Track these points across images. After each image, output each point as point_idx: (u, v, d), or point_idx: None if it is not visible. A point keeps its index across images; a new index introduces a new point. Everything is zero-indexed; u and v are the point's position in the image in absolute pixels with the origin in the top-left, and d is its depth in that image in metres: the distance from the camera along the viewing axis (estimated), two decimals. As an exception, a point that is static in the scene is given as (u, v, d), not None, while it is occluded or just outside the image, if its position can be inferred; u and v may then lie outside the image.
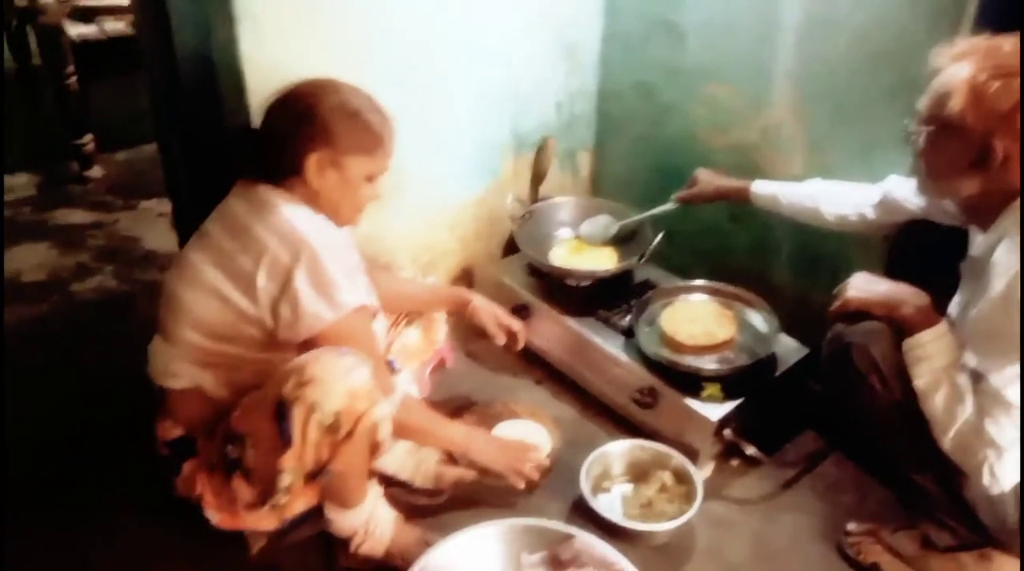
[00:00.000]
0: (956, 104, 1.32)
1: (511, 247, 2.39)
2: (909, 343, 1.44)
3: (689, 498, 1.77)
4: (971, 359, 1.37)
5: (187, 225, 2.01)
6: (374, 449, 1.49)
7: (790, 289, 2.22)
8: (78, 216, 3.06)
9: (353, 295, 1.45)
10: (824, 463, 1.98)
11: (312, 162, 1.45)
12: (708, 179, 2.08)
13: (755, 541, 1.79)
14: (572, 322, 2.12)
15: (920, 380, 1.42)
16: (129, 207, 3.13)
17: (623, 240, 2.32)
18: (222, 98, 1.78)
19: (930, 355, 1.41)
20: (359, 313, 1.47)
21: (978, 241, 1.48)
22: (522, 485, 1.76)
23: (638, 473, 1.88)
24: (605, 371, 2.06)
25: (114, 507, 1.81)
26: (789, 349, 2.02)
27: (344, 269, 1.45)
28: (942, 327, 1.43)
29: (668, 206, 2.16)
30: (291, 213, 1.45)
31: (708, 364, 1.93)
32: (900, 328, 1.46)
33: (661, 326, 2.02)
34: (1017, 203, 1.36)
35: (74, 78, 3.08)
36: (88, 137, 3.25)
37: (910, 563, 1.66)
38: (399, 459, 1.80)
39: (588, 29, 2.38)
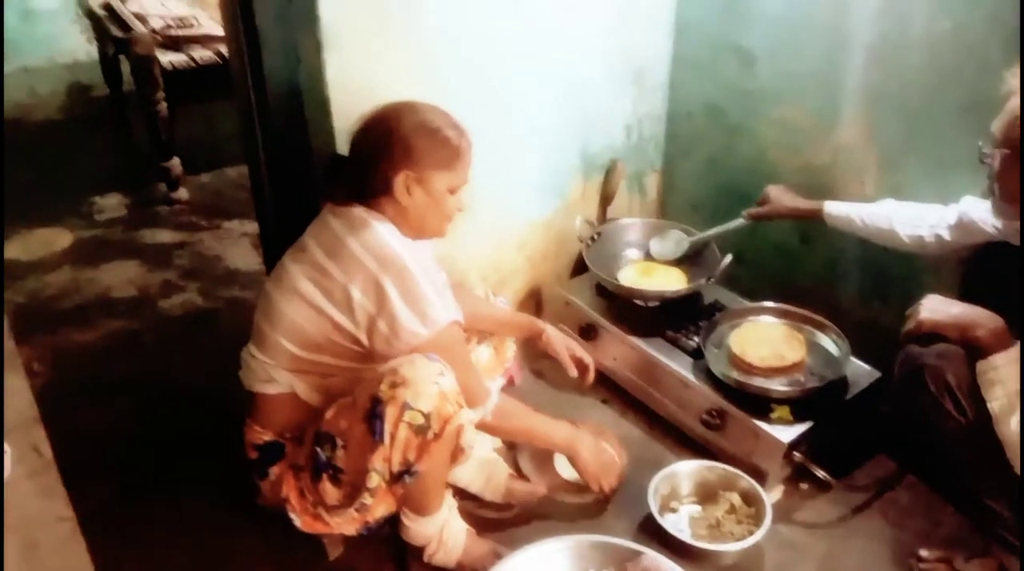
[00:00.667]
0: None
1: (579, 268, 2.43)
2: (983, 365, 1.42)
3: (757, 520, 1.78)
4: (1050, 384, 1.35)
5: (272, 244, 2.12)
6: (455, 455, 1.54)
7: (860, 312, 2.20)
8: (165, 236, 3.21)
9: (445, 312, 1.51)
10: (896, 489, 1.95)
11: (400, 181, 1.52)
12: (779, 196, 2.09)
13: (823, 565, 1.77)
14: (639, 342, 2.15)
15: (995, 403, 1.40)
16: (213, 227, 3.28)
17: (692, 261, 2.34)
18: (308, 121, 1.87)
19: (1004, 378, 1.40)
20: (451, 328, 1.53)
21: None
22: (602, 492, 1.81)
23: (706, 494, 1.89)
24: (673, 392, 2.07)
25: (198, 511, 1.89)
26: (860, 372, 2.00)
27: (434, 286, 1.52)
28: (1016, 350, 1.41)
29: (738, 222, 2.18)
30: (384, 231, 1.52)
31: (777, 386, 1.93)
32: (974, 350, 1.45)
33: (730, 347, 2.03)
34: None
35: (163, 104, 3.25)
36: (175, 160, 3.41)
37: (985, 592, 1.64)
38: (471, 473, 1.85)
39: (657, 52, 2.42)
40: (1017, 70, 1.38)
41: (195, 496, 1.92)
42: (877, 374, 2.00)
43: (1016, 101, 1.35)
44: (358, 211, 1.55)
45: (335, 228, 1.55)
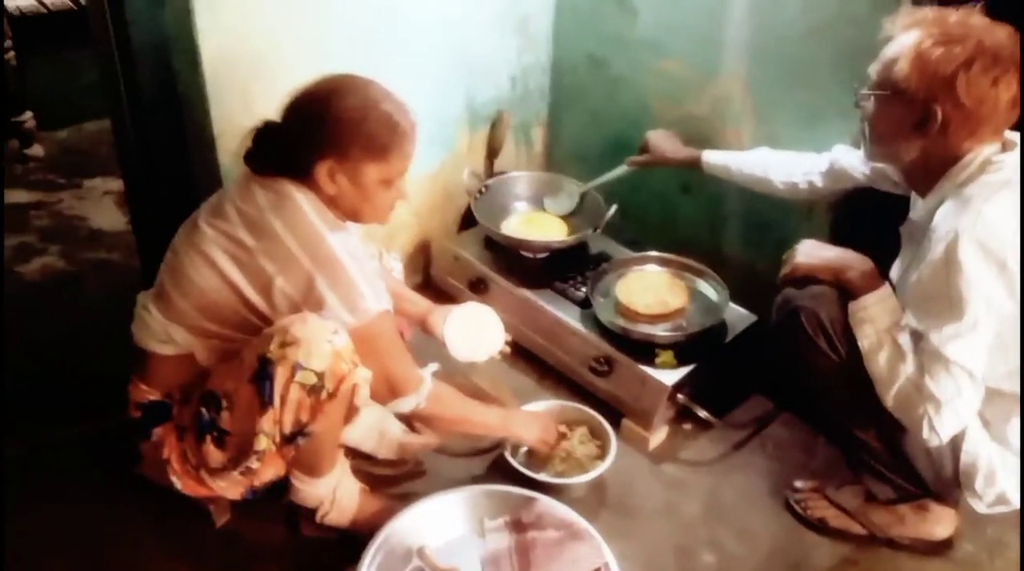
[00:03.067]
0: (902, 69, 1.38)
1: (467, 221, 2.42)
2: (854, 306, 1.50)
3: (605, 451, 1.84)
4: (912, 320, 1.44)
5: (139, 203, 1.99)
6: (349, 415, 1.51)
7: (738, 258, 2.28)
8: (20, 196, 2.97)
9: (376, 302, 1.45)
10: (772, 425, 2.06)
11: (322, 170, 1.42)
12: (659, 144, 2.11)
13: (708, 499, 1.86)
14: (528, 293, 2.16)
15: (865, 341, 1.48)
16: (73, 186, 3.06)
17: (578, 212, 2.36)
18: (177, 72, 1.75)
19: (873, 317, 1.48)
20: (381, 318, 1.47)
21: (918, 206, 1.55)
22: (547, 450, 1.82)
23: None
24: (562, 341, 2.10)
25: (73, 480, 1.79)
26: (738, 316, 2.09)
27: (365, 274, 1.45)
28: (885, 290, 1.49)
29: (622, 169, 2.21)
30: (313, 216, 1.42)
31: (661, 332, 1.98)
32: (846, 292, 1.53)
33: (616, 296, 2.07)
34: (955, 170, 1.43)
35: (12, 53, 2.98)
36: (28, 114, 3.15)
37: (853, 516, 1.76)
38: (362, 431, 1.80)
39: (540, 1, 2.40)
40: (895, 18, 1.44)
41: (69, 465, 1.83)
42: (754, 317, 2.09)
43: (894, 47, 1.41)
44: (287, 188, 1.43)
45: (260, 202, 1.43)
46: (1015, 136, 1.45)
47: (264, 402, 1.36)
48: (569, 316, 2.09)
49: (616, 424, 2.00)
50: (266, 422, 1.38)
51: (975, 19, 1.39)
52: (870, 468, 1.67)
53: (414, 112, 1.47)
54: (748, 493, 1.87)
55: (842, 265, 1.54)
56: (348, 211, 1.49)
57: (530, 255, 2.26)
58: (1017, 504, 1.55)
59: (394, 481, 1.85)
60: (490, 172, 2.49)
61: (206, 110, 1.79)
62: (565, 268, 2.22)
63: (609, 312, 2.05)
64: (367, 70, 2.01)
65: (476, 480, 1.83)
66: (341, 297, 1.40)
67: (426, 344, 1.96)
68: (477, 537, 1.69)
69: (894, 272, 1.64)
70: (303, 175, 1.44)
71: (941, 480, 1.59)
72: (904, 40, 1.40)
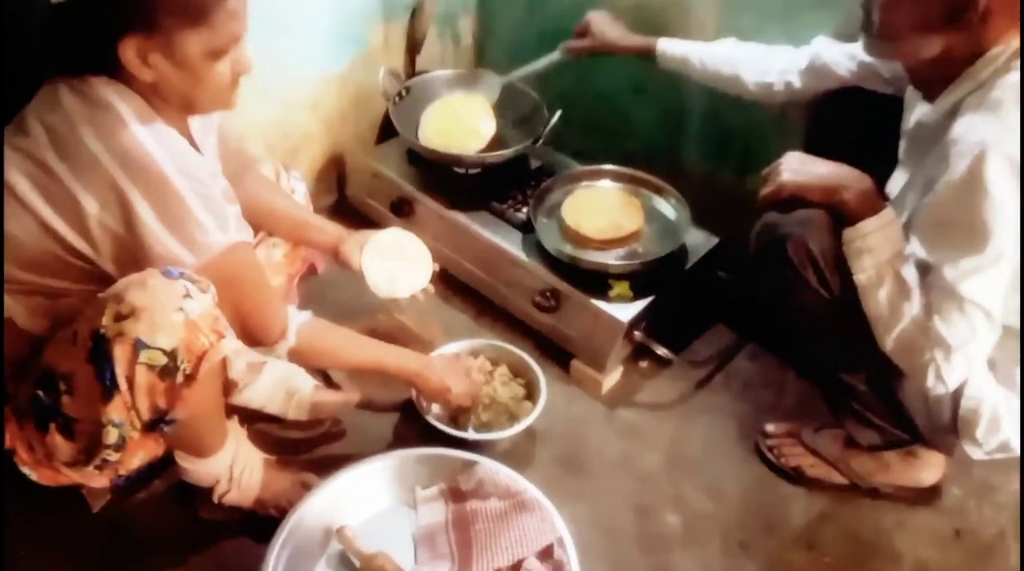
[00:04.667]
0: None
1: (387, 131, 2.07)
2: (850, 233, 1.26)
3: (532, 391, 1.64)
4: (920, 249, 1.21)
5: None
6: (227, 389, 1.22)
7: (696, 171, 2.01)
8: None
9: (221, 233, 1.14)
10: (736, 358, 1.85)
11: (128, 52, 1.06)
12: (602, 27, 1.79)
13: (669, 448, 1.65)
14: (461, 217, 1.86)
15: (862, 274, 1.25)
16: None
17: (514, 119, 2.03)
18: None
19: (873, 246, 1.24)
20: (234, 252, 1.16)
21: (924, 111, 1.30)
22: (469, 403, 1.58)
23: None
24: (501, 272, 1.82)
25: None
26: (698, 239, 1.83)
27: (206, 200, 1.12)
28: (888, 214, 1.25)
29: (554, 56, 1.88)
30: (134, 121, 1.08)
31: (615, 260, 1.73)
32: (840, 215, 1.28)
33: (563, 218, 1.79)
34: (977, 66, 1.17)
35: None
36: None
37: (833, 464, 1.58)
38: (266, 390, 1.51)
39: None
40: None
41: None
42: (715, 240, 1.84)
43: None
44: (101, 89, 1.09)
45: (68, 111, 1.09)
46: None
47: (106, 388, 1.06)
48: (509, 242, 1.80)
49: (565, 366, 1.76)
50: (114, 411, 1.08)
51: None
52: (854, 412, 1.47)
53: None
54: (714, 440, 1.67)
55: (837, 183, 1.28)
56: (178, 100, 1.14)
57: (462, 171, 1.95)
58: (1019, 451, 1.37)
59: (307, 446, 1.58)
60: (411, 71, 2.13)
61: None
62: (503, 185, 1.92)
63: (555, 237, 1.77)
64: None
65: (404, 441, 1.58)
66: (173, 228, 1.09)
67: (341, 278, 1.66)
68: (408, 510, 1.45)
69: (891, 188, 1.39)
70: (111, 67, 1.09)
71: (936, 427, 1.40)
72: None
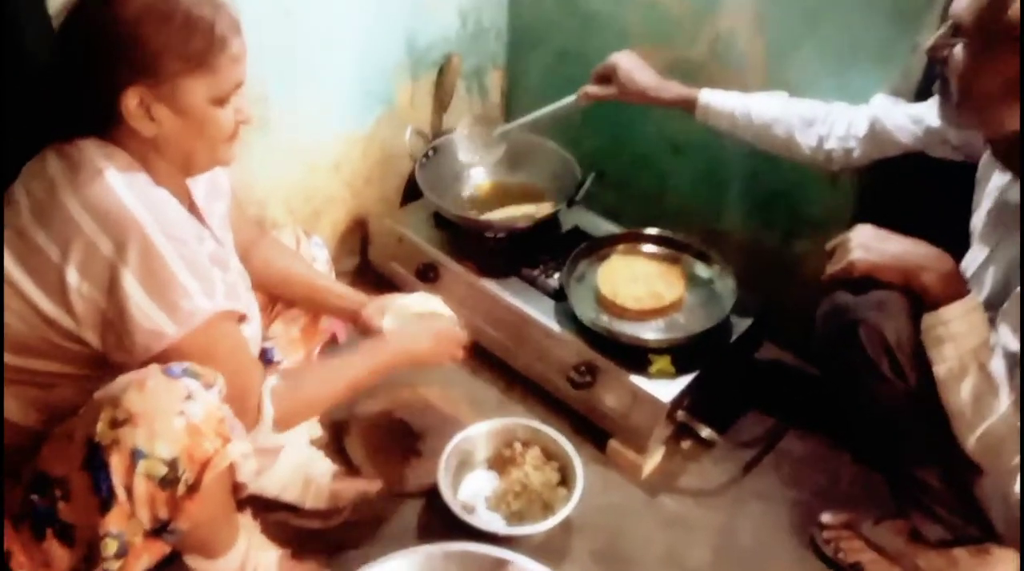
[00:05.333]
0: (1019, 7, 0.99)
1: (412, 192, 1.98)
2: (931, 320, 1.13)
3: (568, 479, 1.51)
4: (1011, 341, 1.08)
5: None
6: (237, 490, 1.12)
7: (739, 233, 1.91)
8: None
9: (206, 300, 1.05)
10: (786, 438, 1.71)
11: (131, 103, 1.02)
12: (631, 73, 1.58)
13: (717, 541, 1.52)
14: (490, 284, 1.76)
15: (943, 365, 1.13)
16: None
17: (549, 180, 1.94)
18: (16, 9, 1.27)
19: (956, 335, 1.12)
20: (217, 323, 1.08)
21: (1007, 184, 1.18)
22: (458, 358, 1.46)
23: (504, 458, 1.58)
24: (533, 343, 1.71)
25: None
26: (742, 308, 1.68)
27: (191, 263, 1.05)
28: (972, 300, 1.13)
29: (568, 101, 1.69)
30: (117, 181, 1.02)
31: (656, 333, 1.62)
32: (918, 299, 1.16)
33: (598, 286, 1.68)
34: None
35: None
36: None
37: (896, 560, 1.43)
38: (283, 478, 1.43)
39: (495, -82, 1.94)
40: None
41: None
42: (761, 310, 1.72)
43: None
44: (87, 148, 1.05)
45: (52, 175, 1.04)
46: None
47: (104, 499, 0.97)
48: (540, 312, 1.69)
49: (601, 446, 1.64)
50: (112, 522, 0.99)
51: None
52: (922, 506, 1.34)
53: (229, 2, 1.07)
54: (765, 531, 1.53)
55: (915, 264, 1.16)
56: (178, 155, 1.10)
57: (491, 235, 1.85)
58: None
59: (326, 537, 1.46)
60: (438, 130, 2.05)
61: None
62: (534, 250, 1.82)
63: (590, 307, 1.66)
64: (278, 6, 1.58)
65: (429, 533, 1.46)
66: (155, 295, 1.01)
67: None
68: (434, 612, 1.33)
69: (966, 264, 1.27)
70: (109, 124, 1.05)
71: (1014, 525, 1.26)
72: None
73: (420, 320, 1.44)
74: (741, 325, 1.69)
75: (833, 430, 1.69)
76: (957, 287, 1.13)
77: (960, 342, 1.11)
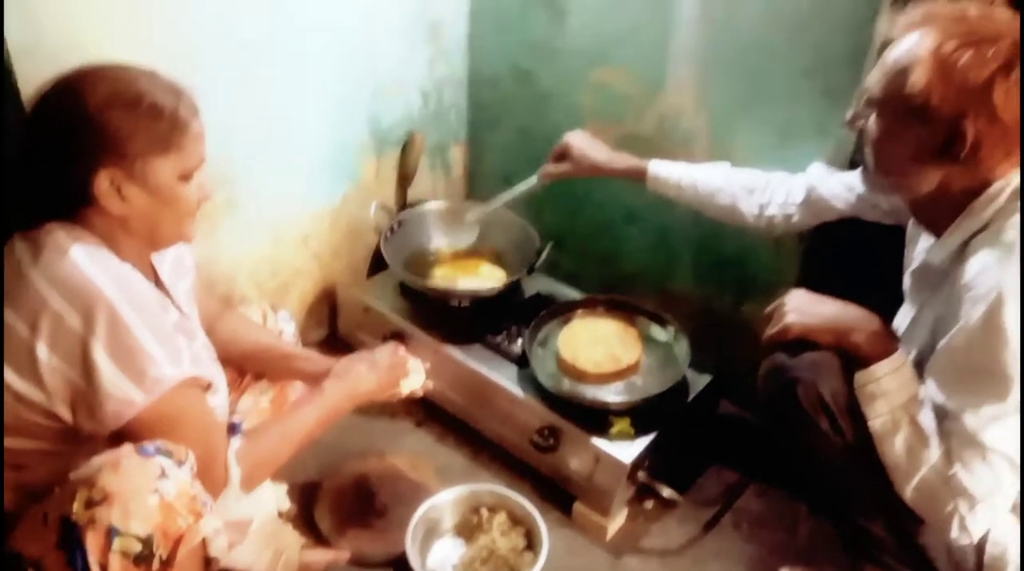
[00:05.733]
0: (919, 80, 1.09)
1: (378, 263, 2.04)
2: (863, 377, 1.21)
3: (533, 541, 1.54)
4: (937, 394, 1.16)
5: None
6: (209, 564, 1.14)
7: (693, 296, 1.99)
8: None
9: (172, 367, 1.10)
10: (744, 495, 1.76)
11: (103, 184, 1.09)
12: (584, 150, 1.69)
13: (681, 599, 1.55)
14: (455, 351, 1.81)
15: (876, 420, 1.19)
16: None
17: (510, 250, 2.02)
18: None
19: (887, 391, 1.19)
20: (184, 390, 1.12)
21: (930, 247, 1.27)
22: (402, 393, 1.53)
23: (471, 525, 1.60)
24: (497, 408, 1.76)
25: None
26: (698, 369, 1.77)
27: (157, 332, 1.10)
28: (899, 357, 1.20)
29: (530, 183, 1.78)
30: (80, 258, 1.07)
31: (615, 395, 1.67)
32: (850, 358, 1.23)
33: (558, 351, 1.74)
34: (978, 203, 1.15)
35: None
36: None
37: (851, 612, 1.47)
38: (252, 552, 1.42)
39: (453, 5, 2.05)
40: (895, 15, 1.16)
41: None
42: (716, 370, 1.79)
43: (901, 52, 1.13)
44: (52, 231, 1.10)
45: (19, 257, 1.09)
46: None
47: None
48: (504, 377, 1.74)
49: (566, 509, 1.68)
50: None
51: (1001, 12, 1.11)
52: (873, 558, 1.38)
53: (186, 87, 1.16)
54: (727, 588, 1.57)
55: (845, 325, 1.25)
56: (144, 233, 1.17)
57: (455, 303, 1.91)
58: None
59: (296, 609, 1.47)
60: (402, 203, 2.13)
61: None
62: (497, 317, 1.88)
63: (551, 371, 1.72)
64: (244, 89, 1.66)
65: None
66: (123, 364, 1.05)
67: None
68: None
69: (899, 325, 1.36)
70: (78, 206, 1.12)
71: (959, 572, 1.31)
72: (915, 43, 1.12)
73: (364, 361, 1.47)
74: (698, 385, 1.75)
75: (790, 485, 1.75)
76: (886, 345, 1.21)
77: (891, 397, 1.18)
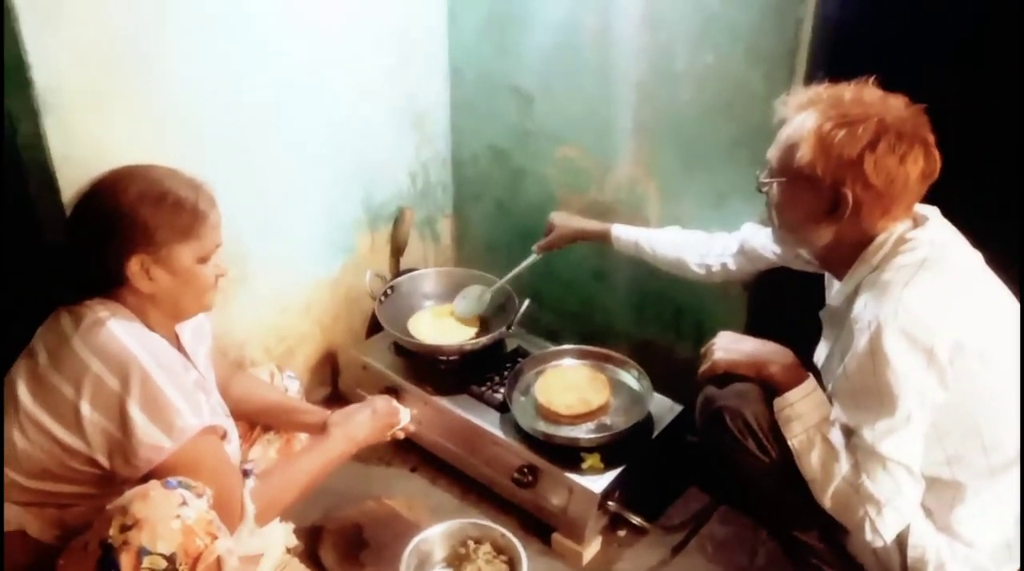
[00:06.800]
0: (805, 154, 1.32)
1: (375, 326, 2.27)
2: (779, 403, 1.41)
3: (514, 569, 1.70)
4: (841, 415, 1.35)
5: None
6: (224, 587, 1.32)
7: (657, 344, 2.20)
8: None
9: (195, 418, 1.30)
10: (710, 522, 1.94)
11: (134, 267, 1.32)
12: (564, 222, 2.03)
13: (651, 617, 1.71)
14: (444, 401, 2.01)
15: (794, 440, 1.39)
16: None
17: (491, 309, 2.24)
18: (34, 201, 1.58)
19: (800, 413, 1.39)
20: (204, 437, 1.32)
21: (835, 290, 1.48)
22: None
23: (459, 555, 1.77)
24: (483, 451, 1.96)
25: None
26: (664, 407, 1.98)
27: (181, 389, 1.30)
28: (809, 384, 1.41)
29: (531, 259, 2.10)
30: (116, 329, 1.29)
31: (586, 433, 1.86)
32: (769, 387, 1.44)
33: (535, 397, 1.95)
34: (868, 251, 1.37)
35: None
36: None
37: (803, 621, 1.63)
38: (263, 579, 1.62)
39: (435, 96, 2.33)
40: (787, 98, 1.38)
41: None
42: (679, 408, 1.98)
43: (791, 130, 1.36)
44: (92, 306, 1.33)
45: (64, 329, 1.31)
46: (927, 209, 1.41)
47: None
48: (487, 422, 1.94)
49: (546, 540, 1.86)
50: None
51: (870, 94, 1.34)
52: (813, 567, 1.55)
53: (205, 181, 1.39)
54: (692, 605, 1.73)
55: (763, 359, 1.46)
56: (170, 307, 1.40)
57: (443, 358, 2.12)
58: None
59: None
60: (396, 271, 2.37)
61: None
62: (481, 369, 2.09)
63: (529, 415, 1.92)
64: (251, 175, 1.91)
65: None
66: (153, 417, 1.26)
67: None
68: None
69: (818, 357, 1.56)
70: (112, 285, 1.34)
71: (888, 576, 1.48)
72: (802, 123, 1.35)
73: (359, 410, 1.67)
74: (663, 422, 1.95)
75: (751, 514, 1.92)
76: (798, 375, 1.42)
77: (805, 419, 1.38)
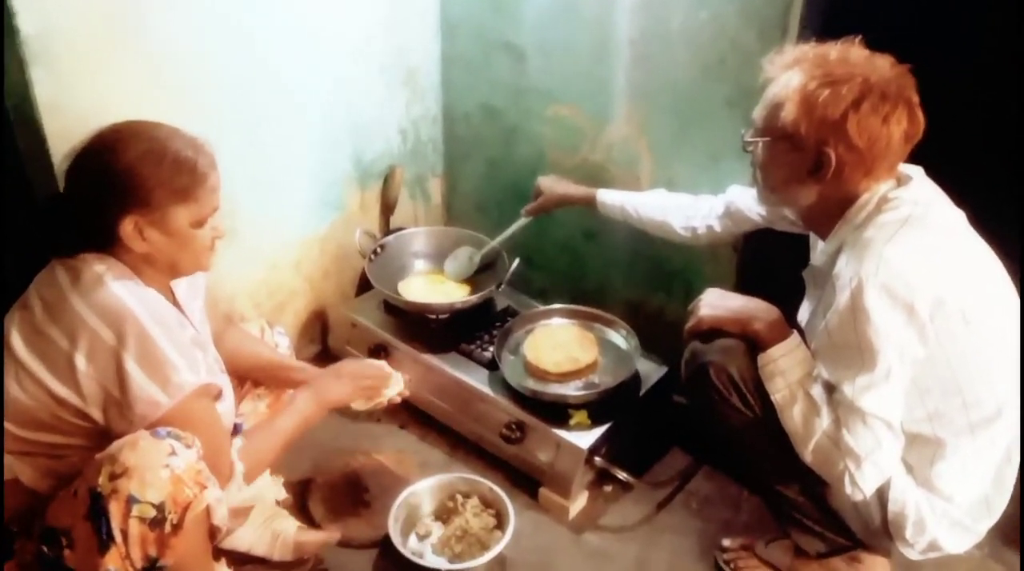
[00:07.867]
0: (789, 114, 1.32)
1: (365, 284, 2.27)
2: (763, 358, 1.43)
3: (501, 521, 1.74)
4: (823, 371, 1.37)
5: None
6: (212, 534, 1.34)
7: (646, 305, 2.21)
8: None
9: (192, 374, 1.30)
10: (695, 479, 1.97)
11: (127, 228, 1.28)
12: (551, 186, 2.03)
13: (635, 569, 1.74)
14: (433, 359, 2.03)
15: (777, 394, 1.41)
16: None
17: (481, 269, 2.25)
18: (21, 152, 1.57)
19: (783, 369, 1.41)
20: (200, 394, 1.32)
21: (819, 249, 1.50)
22: (384, 402, 1.67)
23: (448, 509, 1.81)
24: (471, 408, 1.97)
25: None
26: (651, 367, 2.00)
27: (178, 345, 1.30)
28: (793, 340, 1.42)
29: (521, 221, 2.10)
30: (114, 285, 1.28)
31: (573, 391, 1.88)
32: (754, 343, 1.45)
33: (524, 355, 1.96)
34: (852, 211, 1.38)
35: None
36: None
37: (785, 574, 1.67)
38: (253, 534, 1.65)
39: (427, 52, 2.30)
40: (773, 57, 1.38)
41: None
42: (666, 367, 2.00)
43: (777, 89, 1.35)
44: (88, 261, 1.31)
45: (60, 282, 1.29)
46: (911, 169, 1.41)
47: (103, 541, 1.19)
48: (476, 380, 1.96)
49: (533, 495, 1.88)
50: (110, 561, 1.20)
51: (856, 53, 1.34)
52: (797, 522, 1.58)
53: (208, 143, 1.35)
54: (676, 558, 1.77)
55: (748, 316, 1.47)
56: (165, 266, 1.37)
57: (433, 317, 2.13)
58: (948, 550, 1.48)
59: (293, 584, 1.67)
60: (386, 229, 2.36)
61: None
62: (471, 328, 2.10)
63: (518, 373, 1.93)
64: (241, 131, 1.90)
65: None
66: (150, 372, 1.25)
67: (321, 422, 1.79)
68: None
69: (802, 316, 1.57)
70: (107, 243, 1.31)
71: (870, 531, 1.51)
72: (787, 82, 1.35)
73: (330, 372, 1.66)
74: (649, 381, 1.97)
75: (735, 471, 1.95)
76: (782, 331, 1.43)
77: (788, 375, 1.40)
